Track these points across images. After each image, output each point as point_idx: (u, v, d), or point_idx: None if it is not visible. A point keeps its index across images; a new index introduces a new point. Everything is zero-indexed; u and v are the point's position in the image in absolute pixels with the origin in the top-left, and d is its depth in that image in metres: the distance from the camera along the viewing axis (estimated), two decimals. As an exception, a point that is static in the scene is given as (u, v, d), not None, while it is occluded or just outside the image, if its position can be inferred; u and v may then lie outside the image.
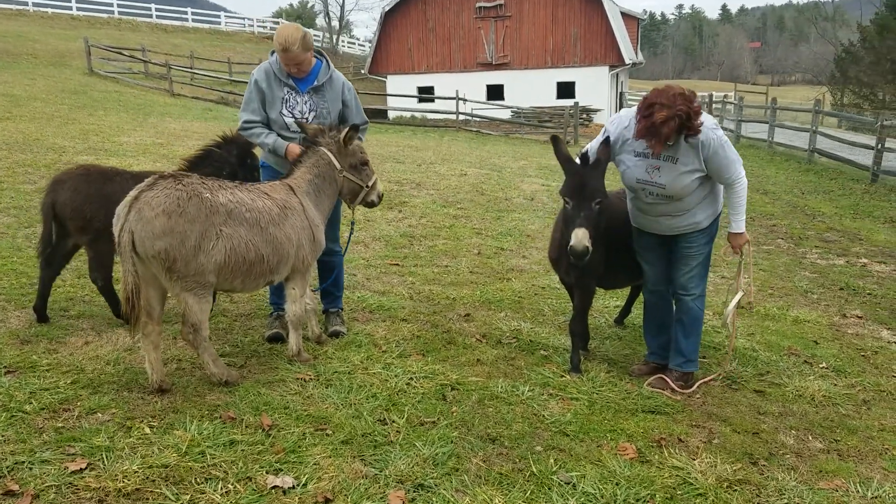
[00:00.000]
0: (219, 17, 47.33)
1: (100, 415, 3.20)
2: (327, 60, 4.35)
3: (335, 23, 55.87)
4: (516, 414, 3.61)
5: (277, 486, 2.73)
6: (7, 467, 2.70)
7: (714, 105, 27.67)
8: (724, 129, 13.83)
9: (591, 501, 2.85)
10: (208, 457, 2.89)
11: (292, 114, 4.22)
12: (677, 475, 3.11)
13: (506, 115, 27.17)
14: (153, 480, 2.70)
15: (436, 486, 2.86)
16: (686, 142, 3.71)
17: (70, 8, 38.17)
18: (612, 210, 4.22)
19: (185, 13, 43.90)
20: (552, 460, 3.14)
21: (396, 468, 2.94)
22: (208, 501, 2.62)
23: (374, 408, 3.49)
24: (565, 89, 31.30)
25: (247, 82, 4.36)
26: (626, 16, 35.25)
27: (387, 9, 32.87)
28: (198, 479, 2.74)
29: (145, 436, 3.02)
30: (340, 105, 4.36)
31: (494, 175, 12.72)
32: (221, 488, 2.70)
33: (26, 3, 37.32)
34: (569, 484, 2.96)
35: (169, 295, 3.52)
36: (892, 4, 32.45)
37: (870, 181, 13.75)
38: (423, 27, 32.76)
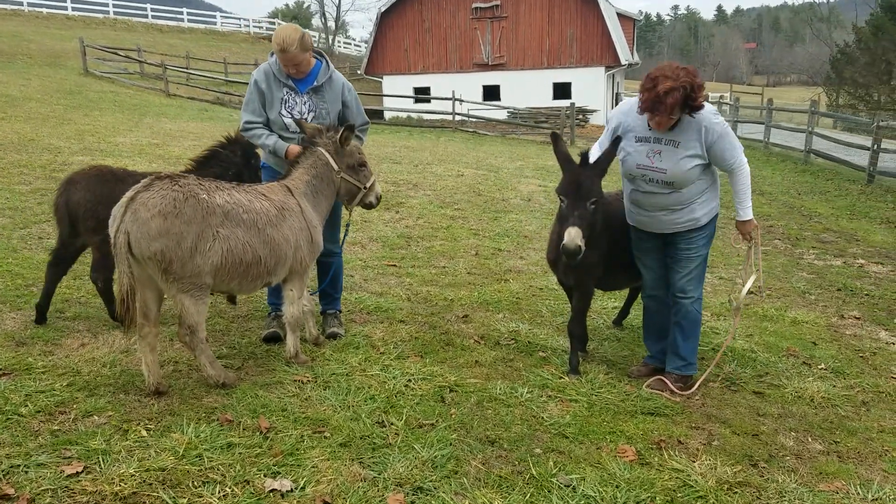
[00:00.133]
0: (214, 17, 47.21)
1: (96, 417, 3.17)
2: (327, 61, 4.34)
3: (331, 23, 55.95)
4: (515, 416, 3.60)
5: (275, 490, 2.71)
6: (2, 471, 2.67)
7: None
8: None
9: (591, 504, 2.84)
10: (205, 460, 2.87)
11: (291, 114, 4.20)
12: (677, 477, 3.10)
13: (502, 115, 27.14)
14: (150, 484, 2.68)
15: (435, 488, 2.85)
16: (691, 117, 3.69)
17: (65, 8, 38.05)
18: (611, 211, 4.21)
19: (181, 13, 43.83)
20: (552, 462, 3.13)
21: (395, 471, 2.93)
22: (206, 505, 2.60)
23: (373, 410, 3.48)
24: (562, 90, 31.35)
25: (242, 83, 4.35)
26: (621, 17, 35.36)
27: (383, 9, 32.84)
28: (195, 483, 2.72)
29: (142, 439, 3.00)
30: (340, 106, 4.35)
31: (491, 176, 12.71)
32: (219, 492, 2.68)
33: (21, 3, 37.16)
34: (569, 486, 2.94)
35: (165, 297, 3.50)
36: (887, 5, 32.54)
37: (866, 182, 13.77)
38: (419, 28, 32.75)
